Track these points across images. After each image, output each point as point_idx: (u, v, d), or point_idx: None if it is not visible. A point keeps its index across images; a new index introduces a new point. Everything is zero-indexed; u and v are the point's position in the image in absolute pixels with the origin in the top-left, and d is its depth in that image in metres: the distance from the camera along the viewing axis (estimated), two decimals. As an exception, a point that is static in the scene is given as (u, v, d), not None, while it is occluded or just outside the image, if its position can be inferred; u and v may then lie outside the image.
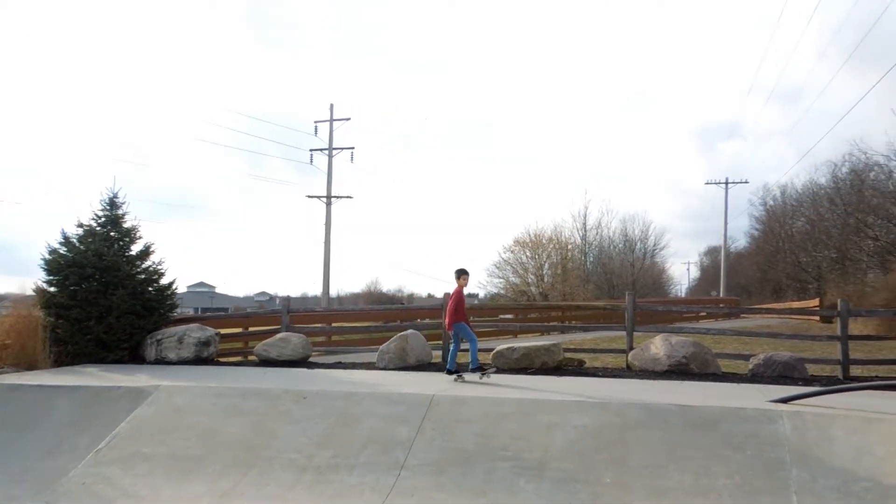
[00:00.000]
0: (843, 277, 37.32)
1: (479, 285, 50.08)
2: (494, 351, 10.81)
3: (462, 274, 9.38)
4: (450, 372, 9.12)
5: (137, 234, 12.43)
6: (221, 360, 12.59)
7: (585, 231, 57.15)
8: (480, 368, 9.02)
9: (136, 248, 12.35)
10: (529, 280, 42.93)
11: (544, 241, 43.53)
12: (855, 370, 10.45)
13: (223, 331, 13.60)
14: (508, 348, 10.55)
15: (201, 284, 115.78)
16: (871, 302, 24.43)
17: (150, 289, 12.29)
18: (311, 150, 41.81)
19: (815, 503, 5.44)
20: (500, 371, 10.21)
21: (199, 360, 11.61)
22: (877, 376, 10.17)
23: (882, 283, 27.69)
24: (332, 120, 41.04)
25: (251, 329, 15.67)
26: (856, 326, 20.71)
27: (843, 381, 9.49)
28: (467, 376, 8.99)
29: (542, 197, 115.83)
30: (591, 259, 59.07)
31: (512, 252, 43.15)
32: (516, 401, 7.29)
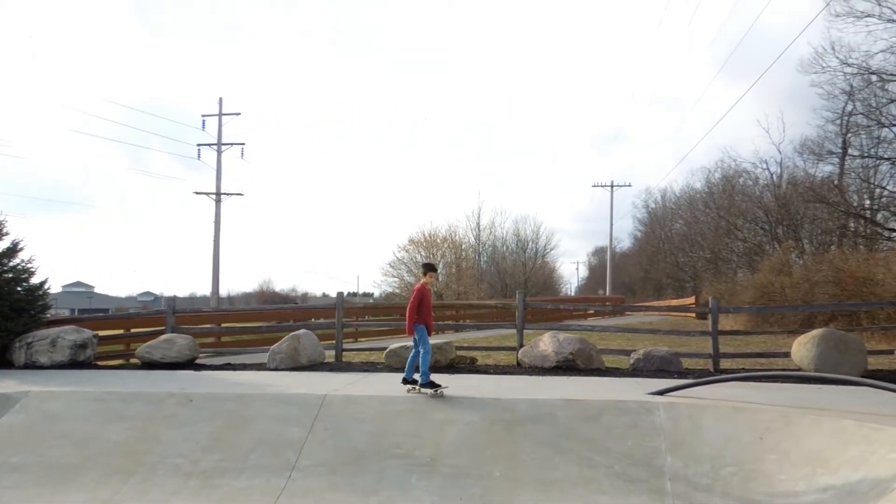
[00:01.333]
0: (716, 276, 39.92)
1: (375, 284, 49.95)
2: (388, 350, 10.84)
3: (429, 270, 8.22)
4: (405, 381, 7.72)
5: (4, 230, 11.58)
6: (100, 363, 11.94)
7: (479, 231, 58.12)
8: (432, 384, 7.44)
9: (2, 245, 11.52)
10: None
11: (438, 241, 43.91)
12: (725, 363, 11.21)
13: (102, 332, 12.90)
14: (402, 347, 10.60)
15: (78, 284, 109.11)
16: (740, 299, 26.23)
17: (19, 289, 11.49)
18: (198, 145, 40.24)
19: (686, 489, 5.81)
20: (393, 370, 10.24)
21: (75, 364, 10.95)
22: (743, 369, 10.94)
23: (749, 282, 29.76)
24: (220, 114, 39.66)
25: (134, 331, 14.92)
26: (727, 322, 22.19)
27: (713, 373, 10.16)
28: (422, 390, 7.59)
29: (437, 198, 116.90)
30: (485, 259, 60.16)
31: (406, 251, 43.25)
32: (409, 398, 7.34)
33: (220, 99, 39.89)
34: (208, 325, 17.01)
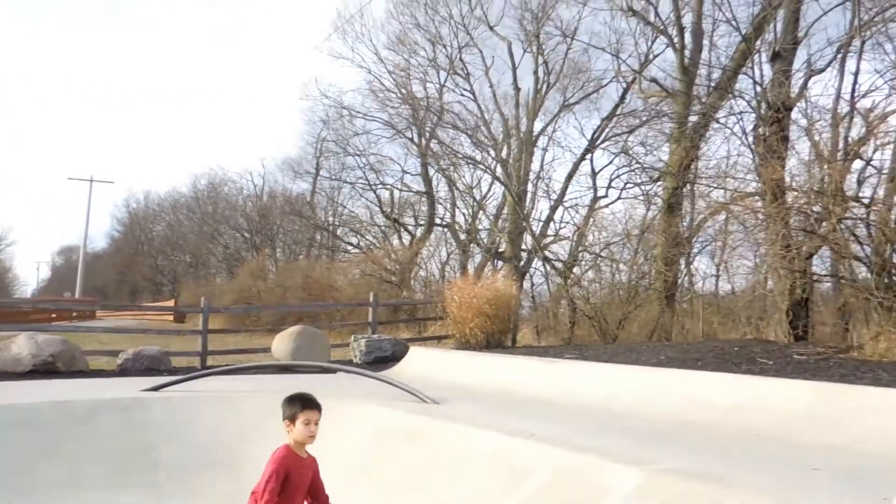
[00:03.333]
0: (196, 280, 40.74)
1: None
2: None
3: (305, 407, 3.81)
4: None
5: None
6: None
7: None
8: None
9: None
10: None
11: None
12: (213, 359, 11.85)
13: None
14: None
15: None
16: (220, 302, 27.48)
17: None
18: None
19: (179, 475, 6.14)
20: None
21: None
22: (227, 364, 11.72)
23: (229, 286, 31.42)
24: None
25: None
26: (210, 322, 23.07)
27: (202, 369, 10.65)
28: None
29: None
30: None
31: None
32: None
33: None
34: None
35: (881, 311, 7.97)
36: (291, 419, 3.77)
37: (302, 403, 3.80)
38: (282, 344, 10.99)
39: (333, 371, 9.40)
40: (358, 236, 29.61)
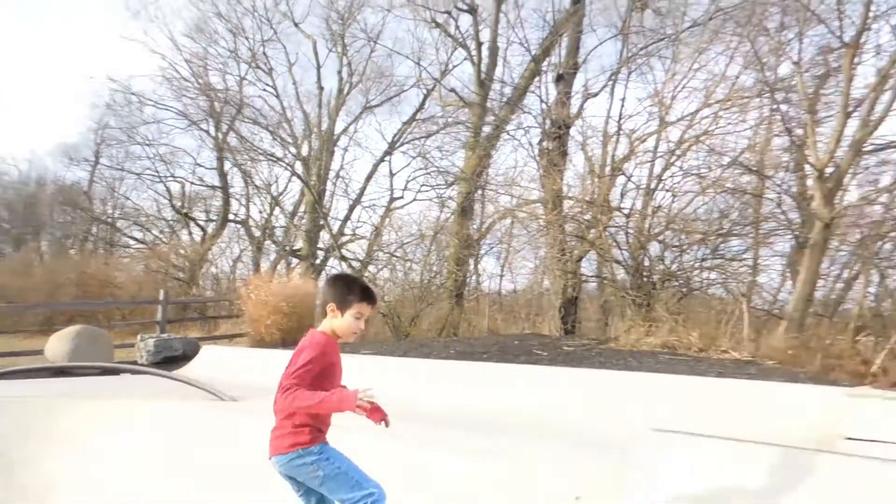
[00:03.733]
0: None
1: None
2: None
3: (365, 298, 3.09)
4: None
5: None
6: None
7: None
8: None
9: None
10: None
11: None
12: (-32, 363, 10.57)
13: None
14: None
15: None
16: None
17: None
18: None
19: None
20: None
21: None
22: (-11, 368, 10.56)
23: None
24: None
25: None
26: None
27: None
28: None
29: None
30: None
31: None
32: None
33: None
34: None
35: (633, 307, 9.26)
36: (342, 306, 2.99)
37: (362, 292, 3.02)
38: (58, 345, 10.14)
39: (118, 372, 8.89)
40: (143, 230, 27.68)
